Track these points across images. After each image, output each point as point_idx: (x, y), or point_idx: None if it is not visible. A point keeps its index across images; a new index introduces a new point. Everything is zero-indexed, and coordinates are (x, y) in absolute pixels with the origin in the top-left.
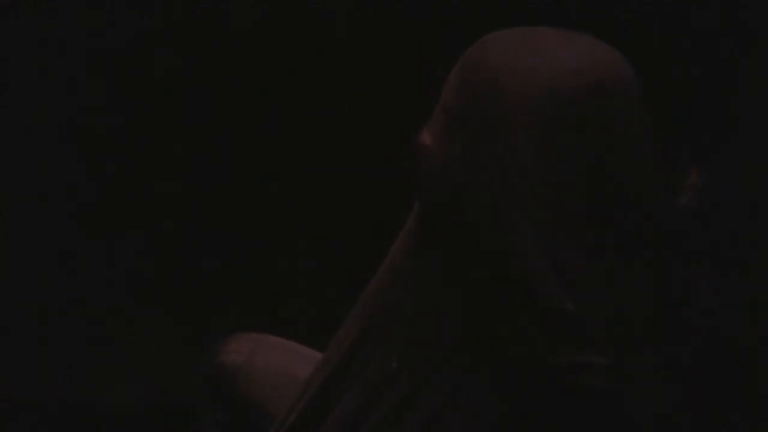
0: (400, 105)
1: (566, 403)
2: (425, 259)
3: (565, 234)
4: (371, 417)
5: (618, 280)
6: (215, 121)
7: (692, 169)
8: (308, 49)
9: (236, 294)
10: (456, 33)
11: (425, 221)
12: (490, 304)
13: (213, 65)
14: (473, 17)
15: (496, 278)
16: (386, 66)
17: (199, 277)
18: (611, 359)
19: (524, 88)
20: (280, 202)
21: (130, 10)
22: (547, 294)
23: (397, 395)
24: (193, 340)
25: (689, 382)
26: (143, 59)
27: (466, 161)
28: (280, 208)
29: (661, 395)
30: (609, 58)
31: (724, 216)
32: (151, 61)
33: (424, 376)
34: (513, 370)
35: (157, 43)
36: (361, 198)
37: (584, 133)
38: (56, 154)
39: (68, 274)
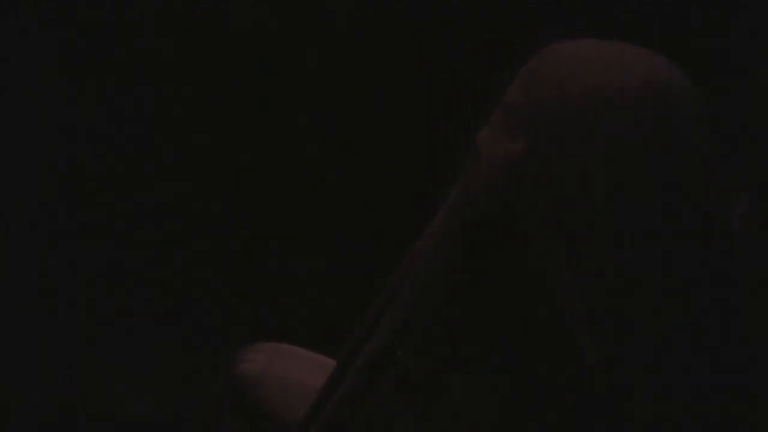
0: (400, 105)
1: (575, 406)
2: (449, 262)
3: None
4: (368, 407)
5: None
6: (215, 121)
7: (741, 191)
8: (308, 49)
9: (249, 303)
10: (456, 33)
11: (467, 227)
12: (511, 311)
13: (213, 65)
14: (473, 17)
15: (526, 295)
16: (386, 66)
17: (211, 284)
18: (623, 362)
19: (591, 96)
20: (282, 204)
21: (129, 9)
22: (574, 331)
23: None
24: (197, 345)
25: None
26: (143, 59)
27: (524, 165)
28: (284, 211)
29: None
30: (670, 70)
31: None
32: (151, 60)
33: (432, 374)
34: (519, 372)
35: (157, 43)
36: (365, 199)
37: (649, 142)
38: (58, 150)
39: (69, 275)
